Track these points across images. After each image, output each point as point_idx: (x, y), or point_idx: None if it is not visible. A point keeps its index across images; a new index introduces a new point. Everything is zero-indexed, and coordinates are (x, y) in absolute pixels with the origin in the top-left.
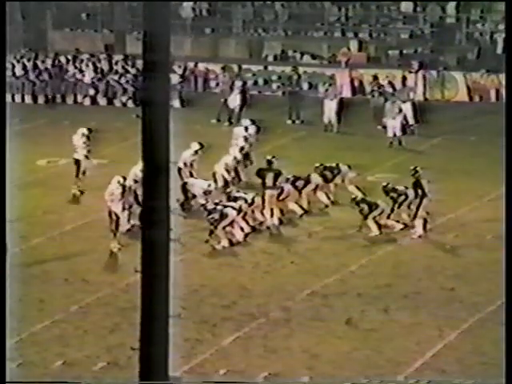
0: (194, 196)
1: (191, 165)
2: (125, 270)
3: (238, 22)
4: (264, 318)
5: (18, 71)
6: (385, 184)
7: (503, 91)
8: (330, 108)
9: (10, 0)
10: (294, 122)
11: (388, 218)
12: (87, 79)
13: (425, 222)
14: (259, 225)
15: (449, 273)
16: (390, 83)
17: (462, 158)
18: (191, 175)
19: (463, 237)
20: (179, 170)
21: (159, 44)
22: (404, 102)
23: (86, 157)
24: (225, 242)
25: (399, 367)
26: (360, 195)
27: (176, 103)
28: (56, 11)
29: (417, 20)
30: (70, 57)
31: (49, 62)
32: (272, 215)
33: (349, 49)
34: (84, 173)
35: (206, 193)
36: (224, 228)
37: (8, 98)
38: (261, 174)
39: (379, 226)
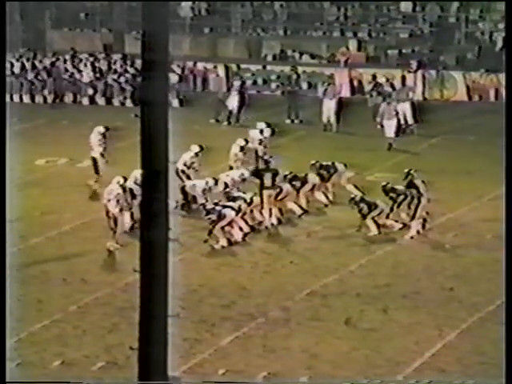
0: (194, 198)
1: (191, 167)
2: (123, 270)
3: (237, 22)
4: (263, 318)
5: (17, 71)
6: (384, 184)
7: (502, 91)
8: (329, 108)
9: (10, 0)
10: (292, 121)
11: (387, 217)
12: (86, 79)
13: (424, 221)
14: (258, 225)
15: (448, 273)
16: (389, 83)
17: (461, 158)
18: (190, 178)
19: (462, 237)
20: (179, 172)
21: (158, 43)
22: (402, 101)
23: (102, 155)
24: (224, 242)
25: (398, 367)
26: (359, 195)
27: (175, 103)
28: (55, 11)
29: (416, 19)
30: (68, 56)
31: (47, 61)
32: (271, 215)
33: (348, 48)
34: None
35: (205, 191)
36: (223, 228)
37: (7, 97)
38: (258, 173)
39: (378, 226)
